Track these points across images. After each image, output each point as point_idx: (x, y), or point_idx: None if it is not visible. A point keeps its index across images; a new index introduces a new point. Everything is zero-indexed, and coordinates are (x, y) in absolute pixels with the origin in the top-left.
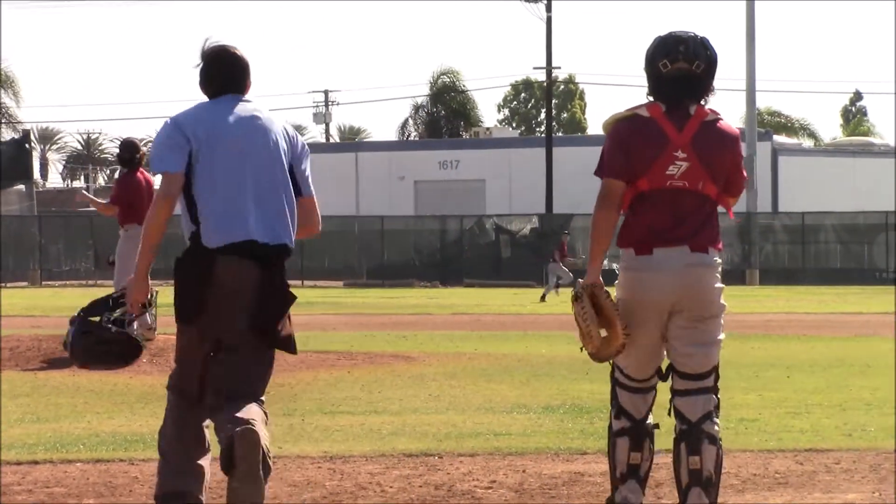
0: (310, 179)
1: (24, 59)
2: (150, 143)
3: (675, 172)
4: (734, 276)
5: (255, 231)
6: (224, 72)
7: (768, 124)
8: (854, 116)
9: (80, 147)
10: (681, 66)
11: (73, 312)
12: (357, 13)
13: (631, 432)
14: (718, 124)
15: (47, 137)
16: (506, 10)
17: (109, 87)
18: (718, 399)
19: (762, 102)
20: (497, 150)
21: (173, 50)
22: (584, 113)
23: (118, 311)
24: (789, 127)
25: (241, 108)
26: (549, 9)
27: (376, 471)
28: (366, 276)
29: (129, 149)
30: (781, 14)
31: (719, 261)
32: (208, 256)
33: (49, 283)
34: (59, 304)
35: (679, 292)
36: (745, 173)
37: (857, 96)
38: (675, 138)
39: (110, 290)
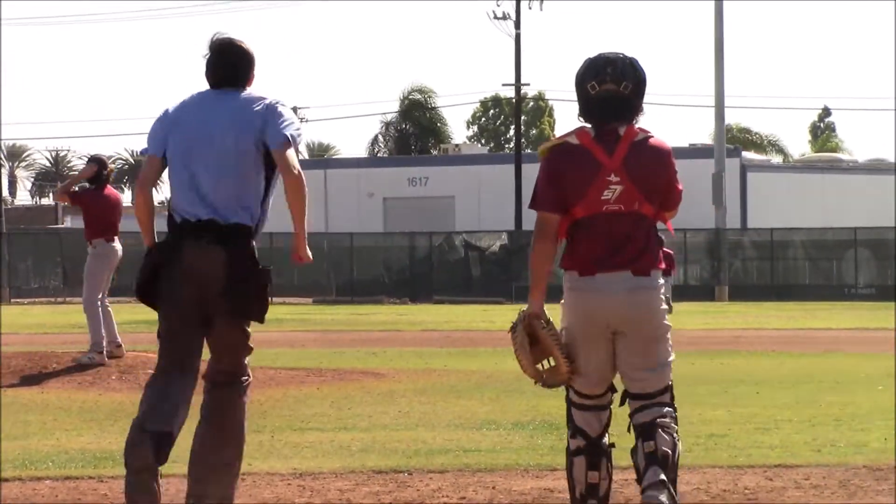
0: (279, 133)
1: None
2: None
3: (609, 197)
4: (703, 292)
5: (202, 209)
6: (217, 64)
7: (737, 140)
8: (822, 132)
9: (48, 164)
10: (609, 87)
11: (41, 330)
12: (325, 30)
13: (587, 451)
14: (649, 142)
15: (15, 154)
16: (475, 28)
17: (78, 105)
18: (675, 415)
19: (731, 119)
20: (466, 167)
21: (142, 67)
22: (553, 130)
23: None
24: (758, 143)
25: (218, 99)
26: (517, 26)
27: (346, 487)
28: (335, 293)
29: (96, 165)
30: (750, 31)
31: (662, 281)
32: (175, 231)
33: (18, 300)
34: (27, 321)
35: (623, 315)
36: (680, 186)
37: (826, 112)
38: (607, 162)
39: (77, 307)
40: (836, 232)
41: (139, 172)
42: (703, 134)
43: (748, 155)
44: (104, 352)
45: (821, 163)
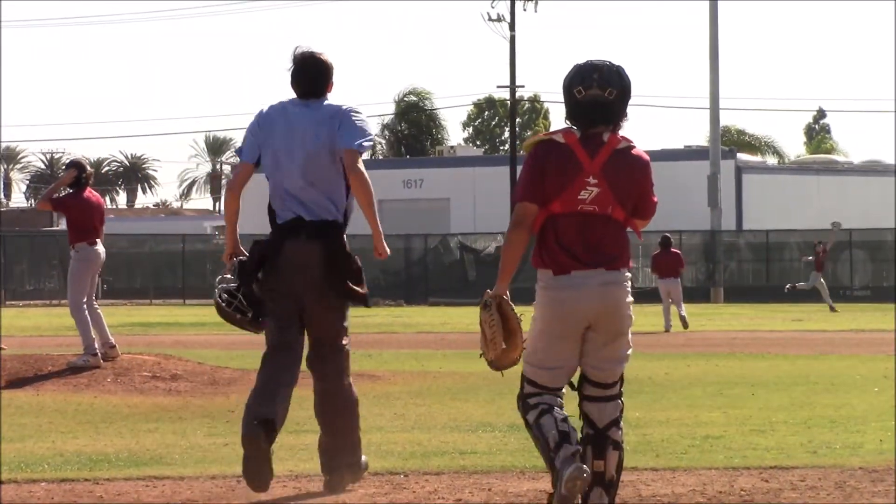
0: (344, 139)
1: None
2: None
3: (586, 197)
4: (699, 293)
5: (301, 209)
6: (300, 76)
7: (732, 142)
8: (817, 134)
9: (43, 166)
10: (594, 92)
11: (37, 332)
12: (319, 32)
13: (547, 412)
14: (631, 152)
15: (10, 157)
16: (470, 30)
17: (73, 107)
18: (623, 403)
19: (726, 120)
20: (461, 169)
21: (136, 70)
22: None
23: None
24: (753, 145)
25: (303, 108)
26: (512, 28)
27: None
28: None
29: (76, 169)
30: (745, 32)
31: (629, 275)
32: (276, 230)
33: (13, 302)
34: (23, 323)
35: (597, 309)
36: (655, 199)
37: (821, 114)
38: (588, 165)
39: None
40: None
41: (232, 176)
42: (699, 136)
43: (743, 157)
44: (98, 354)
45: (816, 164)
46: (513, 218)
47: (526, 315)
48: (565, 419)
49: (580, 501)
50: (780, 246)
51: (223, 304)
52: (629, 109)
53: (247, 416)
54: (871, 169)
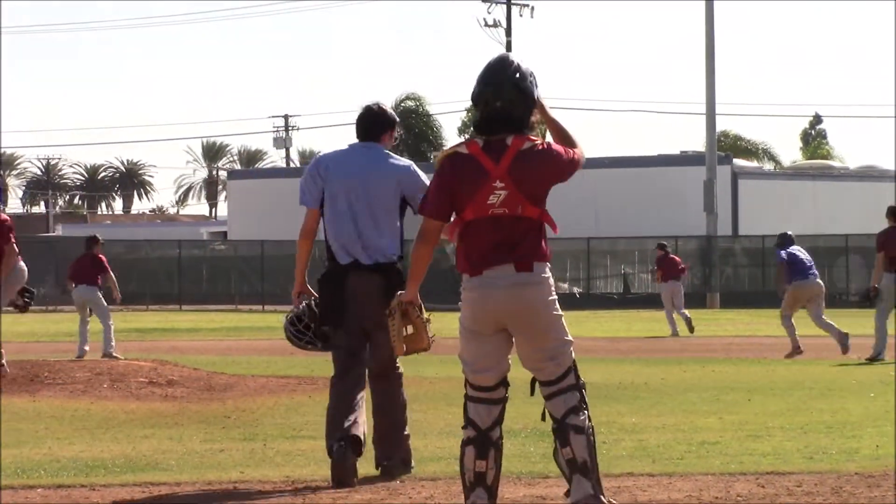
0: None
1: None
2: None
3: (495, 201)
4: (695, 299)
5: (360, 254)
6: (363, 124)
7: (728, 148)
8: (814, 139)
9: (40, 173)
10: (491, 105)
11: (33, 338)
12: (317, 38)
13: (476, 441)
14: (536, 149)
15: (7, 163)
16: (466, 36)
17: (69, 113)
18: (583, 393)
19: (722, 126)
20: None
21: (133, 76)
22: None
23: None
24: (749, 150)
25: (367, 154)
26: (508, 33)
27: (338, 496)
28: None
29: None
30: (741, 38)
31: (547, 274)
32: (339, 268)
33: (8, 308)
34: (18, 329)
35: (509, 310)
36: (574, 152)
37: (817, 119)
38: (493, 170)
39: (69, 315)
40: (828, 239)
41: (304, 223)
42: (695, 141)
43: (739, 162)
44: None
45: (812, 170)
46: (418, 233)
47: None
48: (486, 453)
49: (564, 477)
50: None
51: (295, 339)
52: (535, 114)
53: (330, 439)
54: (868, 174)
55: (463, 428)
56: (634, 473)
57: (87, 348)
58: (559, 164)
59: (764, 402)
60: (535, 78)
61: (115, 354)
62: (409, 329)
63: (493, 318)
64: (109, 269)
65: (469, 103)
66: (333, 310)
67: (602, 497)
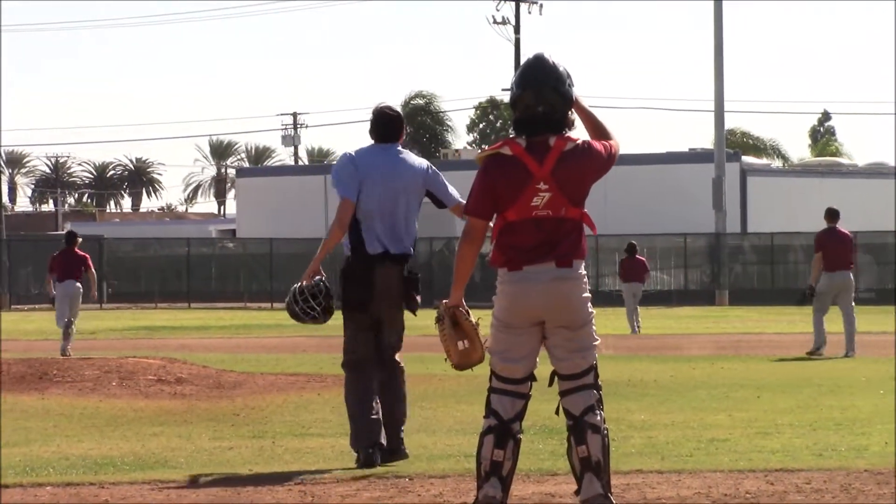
0: (451, 192)
1: None
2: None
3: (539, 203)
4: (703, 296)
5: (391, 245)
6: (381, 126)
7: (737, 144)
8: (822, 137)
9: (48, 171)
10: (532, 109)
11: (41, 336)
12: (325, 36)
13: (497, 430)
14: (577, 148)
15: (15, 161)
16: (475, 33)
17: (77, 111)
18: (600, 394)
19: (731, 123)
20: (466, 172)
21: (141, 74)
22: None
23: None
24: (758, 147)
25: (392, 153)
26: (517, 31)
27: (347, 493)
28: (336, 298)
29: None
30: (750, 35)
31: (584, 272)
32: (366, 258)
33: (18, 306)
34: (27, 327)
35: (547, 304)
36: (610, 142)
37: (826, 116)
38: (537, 172)
39: (82, 314)
40: None
41: (339, 213)
42: (703, 138)
43: (748, 159)
44: None
45: (821, 167)
46: (463, 233)
47: (485, 318)
48: (505, 443)
49: (574, 476)
50: (785, 248)
51: (302, 314)
52: (575, 114)
53: (358, 443)
54: (876, 171)
55: (484, 418)
56: (644, 470)
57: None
58: (600, 162)
59: (773, 399)
60: (572, 79)
61: (70, 353)
62: (465, 343)
63: (530, 311)
64: (92, 266)
65: (477, 101)
66: (361, 295)
67: (611, 497)
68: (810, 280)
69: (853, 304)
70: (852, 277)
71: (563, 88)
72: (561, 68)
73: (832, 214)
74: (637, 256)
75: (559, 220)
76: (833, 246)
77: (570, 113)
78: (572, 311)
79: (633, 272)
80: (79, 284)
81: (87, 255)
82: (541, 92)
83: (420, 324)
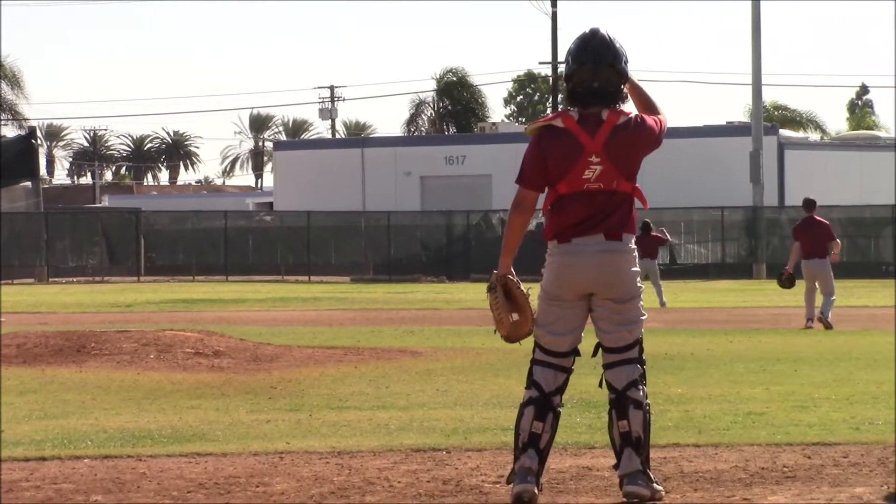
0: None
1: (31, 55)
2: (156, 140)
3: (590, 176)
4: (741, 270)
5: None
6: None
7: (774, 118)
8: (860, 110)
9: (86, 143)
10: (587, 82)
11: (80, 308)
12: (362, 9)
13: (537, 402)
14: (630, 123)
15: (53, 134)
16: (511, 7)
17: (116, 84)
18: (644, 369)
19: (768, 96)
20: (503, 146)
21: (180, 46)
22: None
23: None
24: (796, 121)
25: None
26: (554, 4)
27: (384, 466)
28: (372, 272)
29: None
30: (787, 9)
31: (633, 246)
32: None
33: (56, 279)
34: (65, 300)
35: (595, 276)
36: (659, 117)
37: (864, 90)
38: (589, 145)
39: (116, 286)
40: (874, 209)
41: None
42: (741, 112)
43: (785, 132)
44: None
45: (858, 140)
46: (514, 202)
47: (534, 289)
48: (544, 415)
49: (613, 450)
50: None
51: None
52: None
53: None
54: None
55: (525, 389)
56: (680, 444)
57: None
58: (652, 136)
59: (810, 373)
60: (627, 56)
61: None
62: (516, 315)
63: (579, 284)
64: None
65: (515, 74)
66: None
67: (650, 473)
68: (788, 266)
69: (833, 283)
70: (828, 263)
71: (619, 66)
72: (617, 44)
73: (809, 204)
74: (652, 234)
75: (610, 193)
76: (810, 235)
77: (623, 88)
78: (620, 283)
79: (644, 250)
80: None
81: None
82: (598, 68)
83: (456, 297)
